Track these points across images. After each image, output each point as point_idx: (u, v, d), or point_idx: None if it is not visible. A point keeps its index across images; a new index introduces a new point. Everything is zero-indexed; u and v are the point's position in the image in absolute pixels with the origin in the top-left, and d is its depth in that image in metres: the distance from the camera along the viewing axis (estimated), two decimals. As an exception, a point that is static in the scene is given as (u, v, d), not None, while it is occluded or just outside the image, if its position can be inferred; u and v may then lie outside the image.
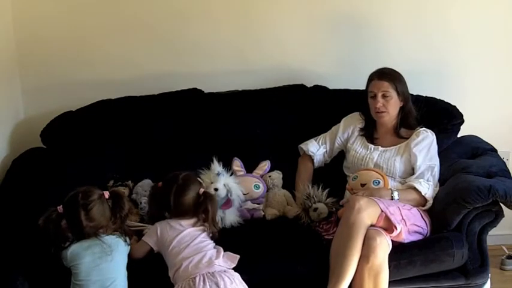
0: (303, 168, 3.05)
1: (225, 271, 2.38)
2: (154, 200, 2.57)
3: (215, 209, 2.56)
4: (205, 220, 2.50)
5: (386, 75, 2.86)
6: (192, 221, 2.51)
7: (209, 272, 2.36)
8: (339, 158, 3.09)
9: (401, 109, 2.89)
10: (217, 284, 2.31)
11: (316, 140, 3.07)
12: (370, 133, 2.97)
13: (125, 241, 2.43)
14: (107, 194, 2.42)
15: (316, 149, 3.05)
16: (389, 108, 2.85)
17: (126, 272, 2.41)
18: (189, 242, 2.44)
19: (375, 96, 2.85)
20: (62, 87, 3.27)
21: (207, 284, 2.32)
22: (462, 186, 2.63)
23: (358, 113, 3.05)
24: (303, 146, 3.08)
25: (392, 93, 2.84)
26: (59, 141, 3.07)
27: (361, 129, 3.00)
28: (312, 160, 3.05)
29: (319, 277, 2.47)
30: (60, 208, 2.36)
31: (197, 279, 2.33)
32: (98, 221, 2.37)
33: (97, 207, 2.37)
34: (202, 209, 2.50)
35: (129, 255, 2.46)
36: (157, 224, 2.53)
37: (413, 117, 2.92)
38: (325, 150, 3.06)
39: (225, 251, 2.47)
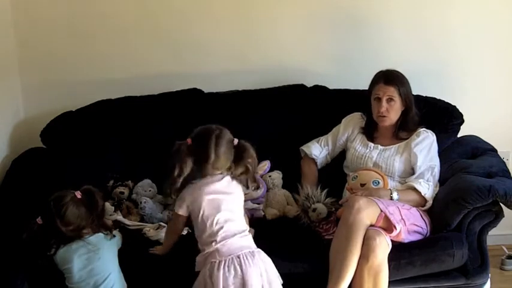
0: (307, 170, 3.02)
1: (251, 252, 2.31)
2: (187, 157, 2.31)
3: (255, 160, 2.36)
4: (246, 172, 2.34)
5: (393, 80, 2.84)
6: (223, 177, 2.36)
7: (250, 252, 2.29)
8: (339, 157, 3.09)
9: (403, 113, 2.88)
10: (235, 270, 2.25)
11: (318, 142, 3.06)
12: (370, 132, 2.97)
13: (110, 236, 2.42)
14: (79, 194, 2.40)
15: (319, 151, 3.04)
16: (392, 112, 2.84)
17: (118, 268, 2.41)
18: (221, 205, 2.31)
19: (379, 100, 2.85)
20: (62, 87, 3.28)
21: (252, 264, 2.26)
22: (462, 186, 2.63)
23: (359, 113, 3.05)
24: (304, 148, 3.07)
25: (397, 98, 2.83)
26: (59, 141, 3.08)
27: (362, 128, 2.99)
28: (315, 162, 3.04)
29: (319, 277, 2.47)
30: (39, 220, 2.37)
31: (241, 256, 2.26)
32: (76, 223, 2.36)
33: (70, 210, 2.35)
34: (241, 161, 2.34)
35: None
36: (184, 192, 2.35)
37: (414, 122, 2.91)
38: (327, 152, 3.05)
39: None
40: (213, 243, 2.29)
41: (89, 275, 2.33)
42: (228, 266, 2.26)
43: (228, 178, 2.38)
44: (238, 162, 2.36)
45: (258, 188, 2.46)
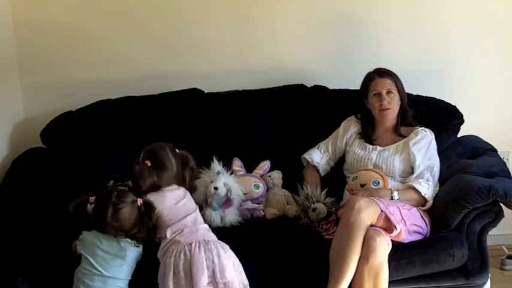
0: (310, 178, 3.01)
1: (218, 242, 2.44)
2: (149, 178, 2.54)
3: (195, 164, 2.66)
4: (192, 174, 2.65)
5: (387, 73, 2.89)
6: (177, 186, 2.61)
7: (204, 240, 2.40)
8: (339, 159, 3.08)
9: (400, 107, 2.91)
10: (211, 252, 2.36)
11: (318, 148, 3.06)
12: (368, 134, 2.97)
13: (136, 247, 2.43)
14: (139, 201, 2.45)
15: (320, 157, 3.04)
16: (393, 104, 2.87)
17: (128, 278, 2.43)
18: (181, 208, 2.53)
19: (379, 95, 2.86)
20: (62, 87, 3.28)
21: (202, 250, 2.35)
22: (462, 186, 2.62)
23: (353, 116, 3.05)
24: (306, 156, 3.06)
25: (395, 90, 2.87)
26: (59, 141, 3.08)
27: (359, 132, 3.00)
28: (317, 169, 3.04)
29: (319, 277, 2.47)
30: (92, 199, 2.41)
31: (193, 245, 2.37)
32: (122, 223, 2.40)
33: (126, 210, 2.40)
34: (187, 167, 2.63)
35: None
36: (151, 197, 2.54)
37: (411, 114, 2.94)
38: (328, 157, 3.05)
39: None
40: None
41: (107, 271, 2.36)
42: (179, 253, 2.36)
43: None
44: (185, 168, 2.63)
45: (195, 190, 2.74)
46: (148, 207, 2.46)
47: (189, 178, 2.65)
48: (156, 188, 2.55)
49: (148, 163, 2.54)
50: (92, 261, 2.36)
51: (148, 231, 2.44)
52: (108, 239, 2.40)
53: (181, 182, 2.62)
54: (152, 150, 2.59)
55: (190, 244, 2.38)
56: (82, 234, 2.43)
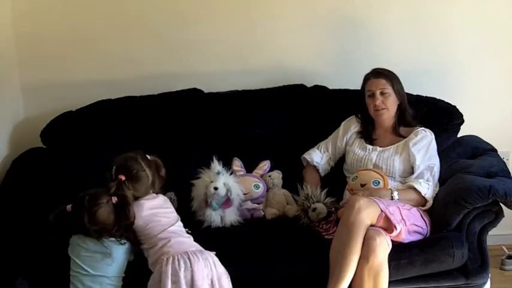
0: (309, 178, 3.01)
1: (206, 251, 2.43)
2: (127, 192, 2.46)
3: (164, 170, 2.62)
4: (163, 181, 2.59)
5: (383, 74, 2.89)
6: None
7: (197, 249, 2.40)
8: (339, 160, 3.09)
9: (399, 107, 2.91)
10: (207, 260, 2.36)
11: (318, 148, 3.07)
12: (368, 134, 2.97)
13: (122, 244, 2.43)
14: (114, 199, 2.43)
15: (320, 157, 3.04)
16: (388, 104, 2.87)
17: (119, 276, 2.42)
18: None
19: (373, 95, 2.87)
20: (62, 87, 3.28)
21: (200, 258, 2.34)
22: (462, 186, 2.62)
23: (353, 116, 3.06)
24: (306, 156, 3.07)
25: (390, 91, 2.87)
26: (59, 141, 3.08)
27: (359, 132, 3.00)
28: (317, 169, 3.05)
29: (319, 277, 2.47)
30: (69, 207, 2.39)
31: (190, 253, 2.35)
32: (102, 225, 2.38)
33: (102, 211, 2.38)
34: (159, 173, 2.58)
35: None
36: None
37: (411, 115, 2.94)
38: (328, 157, 3.05)
39: (225, 250, 2.47)
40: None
41: (94, 270, 2.36)
42: (177, 261, 2.34)
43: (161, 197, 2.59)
44: (156, 176, 2.56)
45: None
46: (124, 204, 2.42)
47: (158, 187, 2.57)
48: (136, 198, 2.49)
49: (123, 177, 2.46)
50: (79, 262, 2.37)
51: (126, 228, 2.42)
52: (93, 240, 2.40)
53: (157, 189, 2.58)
54: (123, 163, 2.50)
55: (186, 253, 2.35)
56: (72, 237, 2.43)
